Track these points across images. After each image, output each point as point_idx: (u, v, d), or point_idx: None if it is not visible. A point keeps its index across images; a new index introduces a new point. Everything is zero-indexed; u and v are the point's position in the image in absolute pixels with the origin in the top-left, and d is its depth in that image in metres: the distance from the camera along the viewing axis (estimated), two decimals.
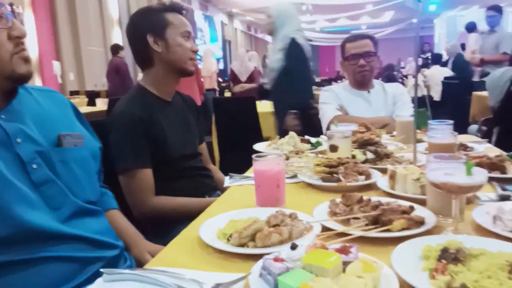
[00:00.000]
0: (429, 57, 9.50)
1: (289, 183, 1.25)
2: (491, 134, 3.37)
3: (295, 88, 2.66)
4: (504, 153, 1.35)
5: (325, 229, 0.86)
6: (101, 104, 5.50)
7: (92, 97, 6.17)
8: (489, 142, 1.99)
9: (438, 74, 6.42)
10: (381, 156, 1.45)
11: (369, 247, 0.79)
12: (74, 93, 7.20)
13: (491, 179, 1.18)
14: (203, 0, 13.94)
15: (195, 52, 1.55)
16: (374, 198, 0.99)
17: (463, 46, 7.11)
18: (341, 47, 2.42)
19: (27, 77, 0.91)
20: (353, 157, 1.42)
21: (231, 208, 1.01)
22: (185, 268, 0.73)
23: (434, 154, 0.89)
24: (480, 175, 0.81)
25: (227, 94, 5.17)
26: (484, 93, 4.06)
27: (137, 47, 1.53)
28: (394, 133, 1.93)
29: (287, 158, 1.44)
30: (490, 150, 1.60)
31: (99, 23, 8.67)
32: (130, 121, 1.41)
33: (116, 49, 6.89)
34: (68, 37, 7.62)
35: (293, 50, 2.68)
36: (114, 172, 1.42)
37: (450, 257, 0.66)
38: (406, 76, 11.05)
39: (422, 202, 0.98)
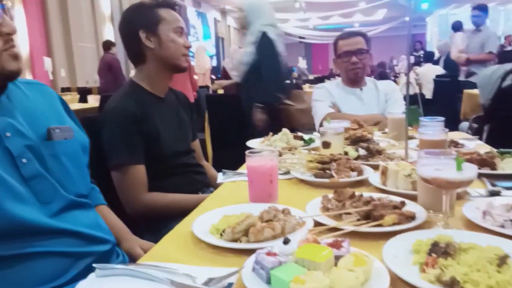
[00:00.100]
0: (422, 55, 9.56)
1: (282, 180, 1.26)
2: (482, 131, 3.40)
3: (264, 82, 2.63)
4: (495, 150, 1.37)
5: (317, 224, 0.87)
6: (93, 101, 5.47)
7: (83, 94, 6.12)
8: (480, 139, 2.02)
9: (430, 72, 6.46)
10: (373, 152, 1.46)
11: (361, 241, 0.80)
12: (65, 89, 7.14)
13: (481, 175, 1.20)
14: None
15: (188, 48, 1.54)
16: (366, 193, 1.00)
17: None
18: (333, 45, 2.43)
19: (16, 74, 0.91)
20: (346, 153, 1.43)
21: (224, 204, 1.02)
22: (178, 263, 0.74)
23: (425, 150, 0.90)
24: (470, 170, 0.82)
25: (220, 91, 5.17)
26: (475, 91, 4.10)
27: (130, 43, 1.52)
28: (386, 130, 1.94)
29: (280, 155, 1.44)
30: (480, 147, 1.62)
31: (91, 19, 8.59)
32: (123, 117, 1.40)
33: (108, 45, 6.84)
34: (59, 33, 7.55)
35: (264, 44, 2.65)
36: (106, 168, 1.41)
37: (440, 251, 0.67)
38: (398, 74, 11.12)
39: (413, 198, 0.99)
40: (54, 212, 0.90)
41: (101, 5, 8.96)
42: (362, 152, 1.47)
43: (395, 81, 6.12)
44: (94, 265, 0.71)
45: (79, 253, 0.91)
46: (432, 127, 1.38)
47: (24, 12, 6.66)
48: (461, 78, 5.59)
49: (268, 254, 0.65)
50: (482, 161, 1.26)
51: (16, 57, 0.89)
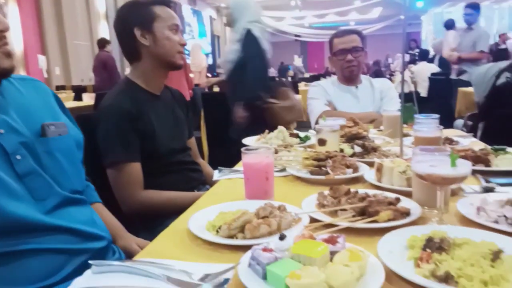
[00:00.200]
0: (417, 53, 9.60)
1: (278, 177, 1.26)
2: (477, 129, 3.42)
3: (247, 79, 2.61)
4: (489, 147, 1.38)
5: (313, 220, 0.88)
6: (88, 99, 5.45)
7: (78, 92, 6.09)
8: (475, 137, 2.03)
9: (425, 70, 6.49)
10: (369, 150, 1.47)
11: (356, 237, 0.80)
12: (60, 88, 7.11)
13: (475, 172, 1.21)
14: None
15: (183, 45, 1.54)
16: (361, 190, 1.00)
17: None
18: (329, 43, 2.44)
19: (9, 72, 0.90)
20: (341, 150, 1.44)
21: (220, 201, 1.02)
22: (175, 260, 0.74)
23: (420, 146, 0.91)
24: (464, 166, 0.83)
25: (216, 89, 5.17)
26: (470, 89, 4.13)
27: (125, 40, 1.51)
28: (382, 127, 1.95)
29: (276, 152, 1.45)
30: (475, 144, 1.63)
31: (86, 16, 8.55)
32: (118, 115, 1.40)
33: (103, 43, 6.81)
34: (53, 31, 7.51)
35: (248, 41, 2.64)
36: (101, 166, 1.41)
37: (434, 246, 0.68)
38: (394, 72, 11.16)
39: (408, 194, 1.00)
40: (49, 209, 0.89)
41: (96, 3, 8.92)
42: (357, 149, 1.47)
43: (390, 79, 6.15)
44: (90, 261, 0.71)
45: (74, 250, 0.91)
46: (427, 124, 1.39)
47: (18, 10, 6.62)
48: (453, 76, 5.62)
49: (264, 250, 0.65)
50: (476, 158, 1.27)
51: (9, 54, 0.88)
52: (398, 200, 0.92)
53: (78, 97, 5.83)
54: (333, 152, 1.32)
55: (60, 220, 0.90)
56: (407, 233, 0.75)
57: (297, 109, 2.13)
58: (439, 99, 5.35)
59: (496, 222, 0.83)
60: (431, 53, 8.06)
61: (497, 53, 4.05)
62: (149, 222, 1.40)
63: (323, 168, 1.26)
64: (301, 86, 6.81)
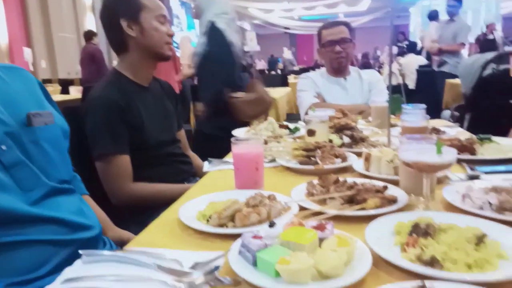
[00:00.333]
0: (405, 46, 9.64)
1: (268, 167, 1.27)
2: (463, 120, 3.48)
3: (211, 73, 2.60)
4: (474, 136, 1.40)
5: (302, 209, 0.88)
6: (75, 92, 5.38)
7: (65, 85, 6.01)
8: (461, 127, 2.06)
9: (413, 62, 6.53)
10: (357, 140, 1.48)
11: (344, 225, 0.81)
12: (46, 81, 6.99)
13: (461, 161, 1.23)
14: None
15: (171, 36, 1.53)
16: (350, 179, 1.02)
17: None
18: (317, 35, 2.44)
19: None
20: (330, 141, 1.45)
21: (211, 192, 1.02)
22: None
23: (407, 135, 0.92)
24: (450, 154, 0.84)
25: None
26: (457, 81, 4.18)
27: (111, 32, 1.50)
28: (370, 119, 1.97)
29: (266, 143, 1.45)
30: (461, 133, 1.66)
31: (71, 8, 8.41)
32: (106, 106, 1.38)
33: (89, 35, 6.71)
34: (39, 23, 7.37)
35: (213, 35, 2.62)
36: (89, 158, 1.40)
37: (420, 231, 0.69)
38: (382, 64, 11.21)
39: (395, 183, 1.01)
40: (36, 200, 0.88)
41: None
42: (346, 139, 1.49)
43: (379, 72, 6.18)
44: (80, 251, 0.71)
45: (62, 241, 0.90)
46: (414, 115, 1.40)
47: (2, 1, 6.48)
48: (434, 67, 5.70)
49: (254, 237, 0.66)
50: (462, 147, 1.29)
51: None
52: (385, 188, 0.94)
53: (65, 91, 5.75)
54: (322, 143, 1.34)
55: (48, 210, 0.89)
56: (394, 220, 0.77)
57: (265, 101, 2.09)
58: (427, 91, 5.40)
59: (481, 208, 0.85)
60: (419, 45, 8.11)
61: (485, 43, 4.09)
62: (138, 215, 1.40)
63: (312, 158, 1.27)
64: (291, 78, 6.81)
